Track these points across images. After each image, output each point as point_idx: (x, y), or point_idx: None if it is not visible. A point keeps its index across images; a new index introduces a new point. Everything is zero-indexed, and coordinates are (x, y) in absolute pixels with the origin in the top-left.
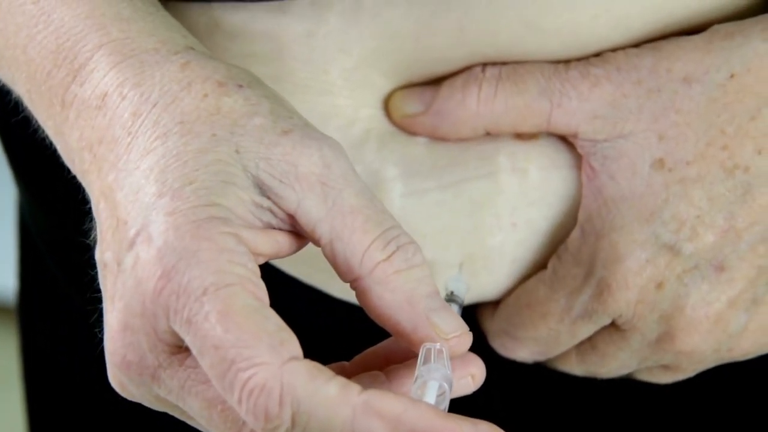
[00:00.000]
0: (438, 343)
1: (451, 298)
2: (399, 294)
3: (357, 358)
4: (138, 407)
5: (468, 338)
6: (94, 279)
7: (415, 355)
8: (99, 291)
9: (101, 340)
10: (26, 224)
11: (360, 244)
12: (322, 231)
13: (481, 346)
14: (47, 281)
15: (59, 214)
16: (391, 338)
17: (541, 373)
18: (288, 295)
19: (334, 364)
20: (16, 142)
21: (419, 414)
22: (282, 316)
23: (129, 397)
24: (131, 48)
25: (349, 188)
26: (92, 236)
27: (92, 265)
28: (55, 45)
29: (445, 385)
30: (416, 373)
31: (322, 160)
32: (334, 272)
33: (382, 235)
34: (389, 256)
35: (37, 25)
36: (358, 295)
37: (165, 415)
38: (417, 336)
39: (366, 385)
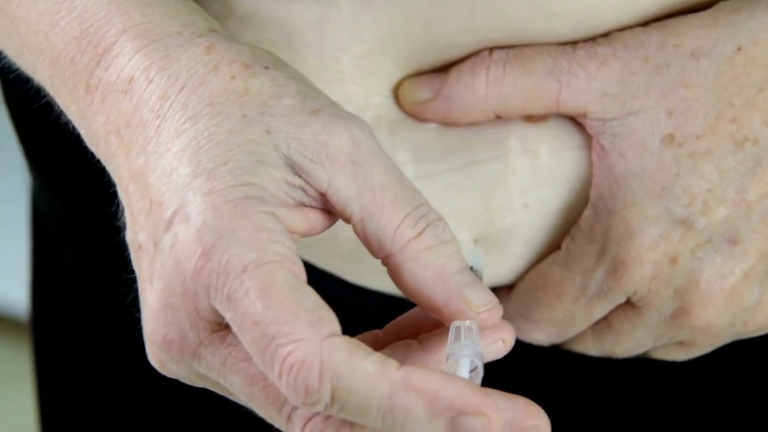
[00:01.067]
0: (468, 321)
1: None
2: (430, 270)
3: (389, 326)
4: (154, 401)
5: (499, 311)
6: (108, 265)
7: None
8: (117, 277)
9: (131, 322)
10: (40, 212)
11: (391, 222)
12: (353, 209)
13: None
14: (60, 268)
15: (76, 202)
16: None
17: (559, 355)
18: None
19: (367, 333)
20: (33, 131)
21: (456, 390)
22: None
23: (169, 375)
24: (155, 32)
25: (378, 166)
26: (121, 220)
27: (108, 252)
28: (79, 30)
29: (477, 362)
30: (447, 351)
31: (351, 140)
32: (348, 258)
33: (413, 213)
34: (420, 233)
35: (60, 12)
36: (390, 272)
37: (181, 411)
38: (450, 311)
39: (400, 354)
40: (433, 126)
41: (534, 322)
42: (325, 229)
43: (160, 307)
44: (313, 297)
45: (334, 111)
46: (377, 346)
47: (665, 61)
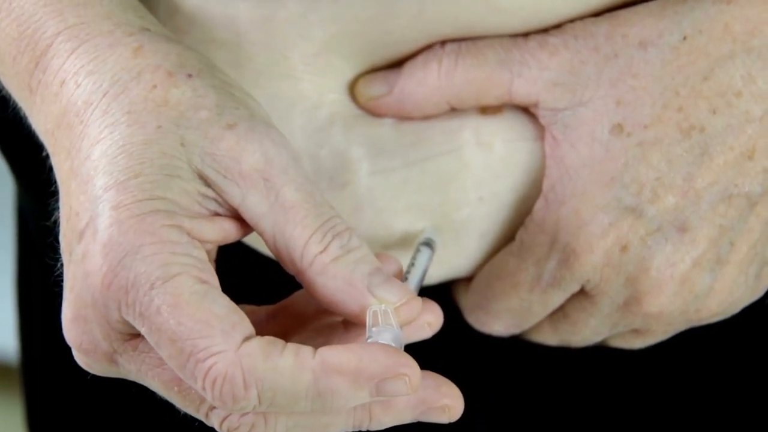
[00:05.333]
0: (383, 305)
1: (426, 242)
2: (339, 279)
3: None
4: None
5: (416, 303)
6: None
7: None
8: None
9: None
10: (25, 222)
11: (300, 239)
12: (265, 226)
13: (459, 324)
14: (45, 277)
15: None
16: None
17: (520, 347)
18: (264, 274)
19: (301, 291)
20: (13, 140)
21: (374, 359)
22: (258, 294)
23: (98, 374)
24: (86, 32)
25: (289, 184)
26: (54, 217)
27: None
28: (17, 32)
29: (395, 346)
30: (366, 335)
31: (264, 156)
32: None
33: (320, 228)
34: (326, 247)
35: (0, 13)
36: (305, 289)
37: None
38: (365, 315)
39: (324, 336)
40: (388, 121)
41: (492, 313)
42: (242, 237)
43: (72, 318)
44: (223, 302)
45: (251, 125)
46: (310, 305)
47: (614, 51)
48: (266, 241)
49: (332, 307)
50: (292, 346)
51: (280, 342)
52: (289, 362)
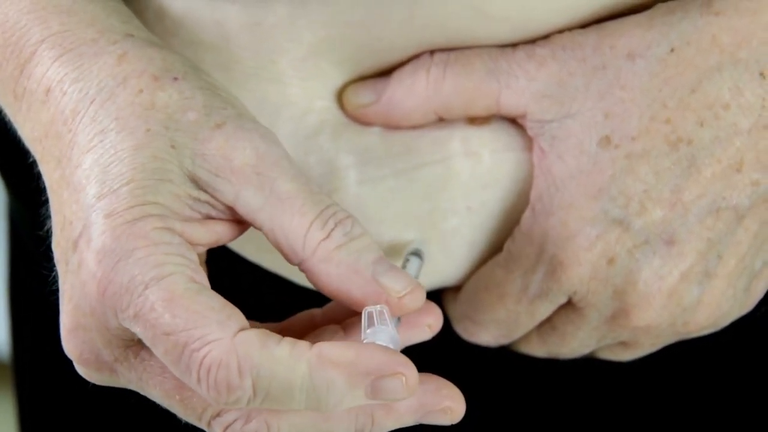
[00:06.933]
0: (378, 306)
1: (414, 252)
2: (344, 267)
3: (327, 307)
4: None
5: (420, 293)
6: None
7: None
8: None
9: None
10: (17, 230)
11: (300, 228)
12: (263, 220)
13: (448, 333)
14: (39, 285)
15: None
16: None
17: (508, 358)
18: (253, 282)
19: (304, 312)
20: (1, 147)
21: (370, 356)
22: (246, 302)
23: (99, 383)
24: (71, 40)
25: (283, 175)
26: (47, 226)
27: None
28: (2, 39)
29: (391, 347)
30: (362, 336)
31: (255, 152)
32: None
33: (320, 215)
34: (329, 234)
35: None
36: (308, 278)
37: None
38: (370, 302)
39: (326, 339)
40: (376, 130)
41: (479, 323)
42: (233, 239)
43: (71, 328)
44: (217, 298)
45: (239, 123)
46: (312, 326)
47: (602, 62)
48: (266, 235)
49: (336, 295)
50: (289, 339)
51: (277, 335)
52: (285, 352)
